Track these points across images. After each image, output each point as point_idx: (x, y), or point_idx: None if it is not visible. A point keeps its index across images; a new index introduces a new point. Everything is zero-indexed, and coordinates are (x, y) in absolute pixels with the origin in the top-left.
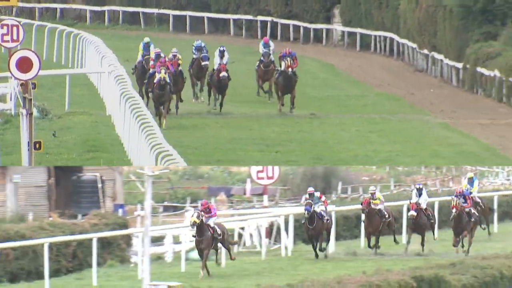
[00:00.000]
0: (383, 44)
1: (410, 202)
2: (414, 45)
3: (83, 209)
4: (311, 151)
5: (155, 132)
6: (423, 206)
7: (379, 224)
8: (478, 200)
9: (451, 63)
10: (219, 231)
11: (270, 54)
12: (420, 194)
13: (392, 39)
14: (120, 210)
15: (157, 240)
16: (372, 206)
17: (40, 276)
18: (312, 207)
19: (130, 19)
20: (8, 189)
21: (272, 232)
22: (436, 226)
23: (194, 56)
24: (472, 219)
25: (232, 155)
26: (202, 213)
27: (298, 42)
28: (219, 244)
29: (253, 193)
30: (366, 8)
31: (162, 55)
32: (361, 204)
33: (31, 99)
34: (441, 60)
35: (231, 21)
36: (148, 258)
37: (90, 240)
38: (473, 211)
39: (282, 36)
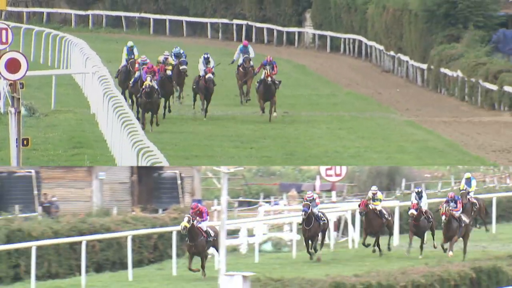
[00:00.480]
0: (352, 46)
1: (411, 203)
2: (381, 47)
3: (164, 204)
4: (284, 147)
5: (136, 130)
6: (424, 208)
7: (379, 225)
8: (475, 200)
9: (416, 64)
10: (212, 234)
11: (250, 59)
12: (420, 198)
13: (360, 41)
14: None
15: (232, 233)
16: (371, 206)
17: (124, 266)
18: (310, 208)
19: (113, 22)
20: (94, 186)
21: (340, 226)
22: (494, 220)
23: (173, 63)
24: (463, 224)
25: (209, 151)
26: (193, 216)
27: (271, 45)
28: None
29: (322, 189)
30: (336, 12)
31: (148, 60)
32: (359, 206)
33: (19, 98)
34: (407, 61)
35: (208, 25)
36: (224, 249)
37: (170, 233)
38: (463, 217)
39: (256, 38)
